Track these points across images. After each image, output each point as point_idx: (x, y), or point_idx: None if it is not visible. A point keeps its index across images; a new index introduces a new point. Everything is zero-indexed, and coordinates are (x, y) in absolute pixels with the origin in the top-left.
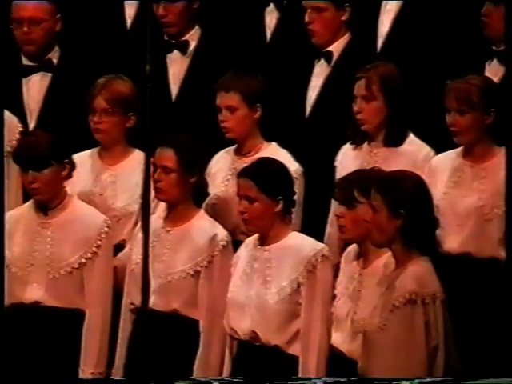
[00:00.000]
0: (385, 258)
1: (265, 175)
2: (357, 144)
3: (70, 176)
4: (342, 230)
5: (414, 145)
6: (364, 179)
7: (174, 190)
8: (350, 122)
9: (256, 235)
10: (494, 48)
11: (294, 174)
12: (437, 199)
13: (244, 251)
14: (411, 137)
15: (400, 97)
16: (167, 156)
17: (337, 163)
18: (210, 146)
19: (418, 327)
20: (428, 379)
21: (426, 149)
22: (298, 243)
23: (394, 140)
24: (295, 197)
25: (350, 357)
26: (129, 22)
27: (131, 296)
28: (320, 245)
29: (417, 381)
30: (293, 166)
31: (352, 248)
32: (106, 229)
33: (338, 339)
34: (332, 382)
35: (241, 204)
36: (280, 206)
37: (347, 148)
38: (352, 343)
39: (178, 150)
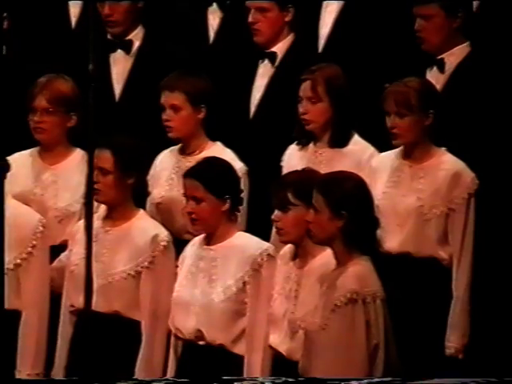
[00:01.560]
0: (321, 258)
1: (211, 175)
2: (302, 144)
3: (3, 177)
4: (279, 233)
5: (358, 145)
6: (297, 181)
7: (111, 191)
8: (294, 122)
9: (202, 234)
10: (433, 57)
11: (238, 173)
12: (377, 199)
13: (190, 250)
14: (356, 137)
15: (345, 98)
16: (104, 157)
17: (283, 163)
18: (150, 147)
19: (359, 326)
20: (376, 379)
21: (370, 149)
22: (243, 242)
23: (339, 141)
24: (242, 195)
25: (288, 357)
26: (74, 21)
27: (71, 298)
28: (266, 244)
29: (365, 381)
30: (237, 164)
31: (288, 248)
32: (40, 228)
33: (276, 339)
34: (281, 381)
35: (188, 204)
36: (227, 205)
37: (293, 148)
38: (290, 343)
39: (115, 151)
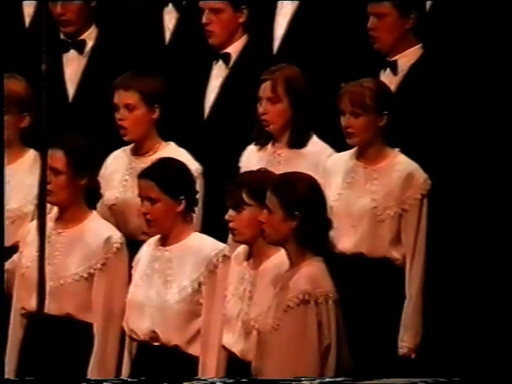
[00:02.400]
0: (275, 259)
1: (166, 175)
2: (261, 145)
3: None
4: (233, 233)
5: (316, 146)
6: (252, 181)
7: (63, 192)
8: (249, 123)
9: (157, 235)
10: (386, 59)
11: (194, 174)
12: (331, 200)
13: (145, 251)
14: (314, 138)
15: (304, 99)
16: (56, 158)
17: (241, 163)
18: (103, 147)
19: (311, 327)
20: (328, 379)
21: (328, 150)
22: (199, 243)
23: (298, 141)
24: (197, 196)
25: (241, 358)
26: (27, 20)
27: (22, 300)
28: (221, 245)
29: (317, 381)
30: (193, 165)
31: (242, 249)
32: None
33: (230, 340)
34: (231, 382)
35: (143, 205)
36: (182, 206)
37: (251, 149)
38: (243, 344)
39: (67, 151)
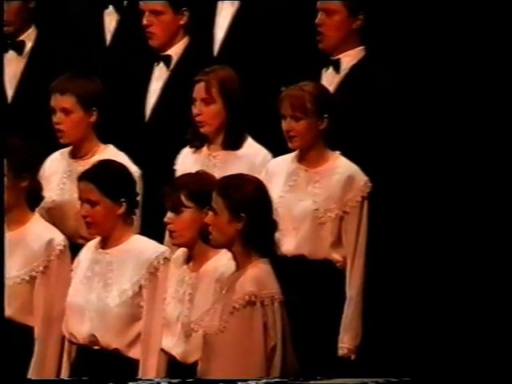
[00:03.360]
0: (215, 261)
1: (106, 178)
2: (196, 147)
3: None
4: (172, 236)
5: (252, 148)
6: (191, 183)
7: (4, 195)
8: (190, 125)
9: (97, 238)
10: (330, 57)
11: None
12: (274, 203)
13: (85, 254)
14: (249, 140)
15: (238, 100)
16: None
17: (177, 166)
18: (44, 149)
19: (257, 329)
20: (274, 380)
21: (263, 152)
22: (139, 246)
23: (233, 143)
24: (138, 198)
25: (181, 360)
26: None
27: None
28: (162, 247)
29: (263, 380)
30: (132, 167)
31: (181, 251)
32: None
33: (169, 343)
34: (177, 382)
35: (82, 208)
36: (123, 209)
37: (187, 151)
38: (183, 347)
39: (6, 154)
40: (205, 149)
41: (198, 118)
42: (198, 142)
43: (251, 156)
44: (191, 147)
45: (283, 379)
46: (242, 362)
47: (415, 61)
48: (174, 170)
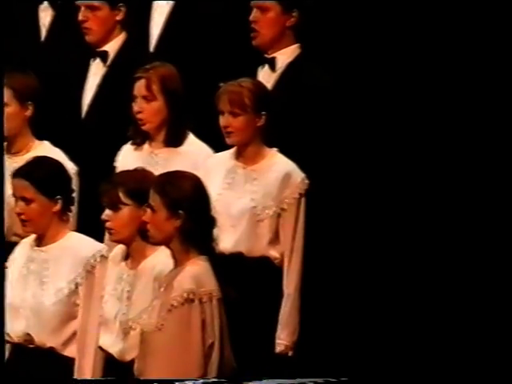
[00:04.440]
0: (154, 258)
1: (41, 174)
2: (137, 144)
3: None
4: (110, 233)
5: (194, 145)
6: (129, 180)
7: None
8: (128, 122)
9: (33, 236)
10: (265, 55)
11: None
12: (212, 200)
13: (20, 252)
14: (191, 137)
15: (180, 97)
16: None
17: (117, 163)
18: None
19: (195, 326)
20: (212, 380)
21: (205, 149)
22: (76, 243)
23: (174, 140)
24: (74, 195)
25: (119, 359)
26: None
27: None
28: (99, 245)
29: (201, 381)
30: (67, 164)
31: (119, 249)
32: None
33: (107, 341)
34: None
35: (17, 205)
36: (58, 206)
37: (128, 148)
38: (121, 344)
39: None
40: (146, 146)
41: (139, 116)
42: (140, 139)
43: (193, 153)
44: (132, 144)
45: (221, 379)
46: (179, 360)
47: (350, 58)
48: (113, 167)
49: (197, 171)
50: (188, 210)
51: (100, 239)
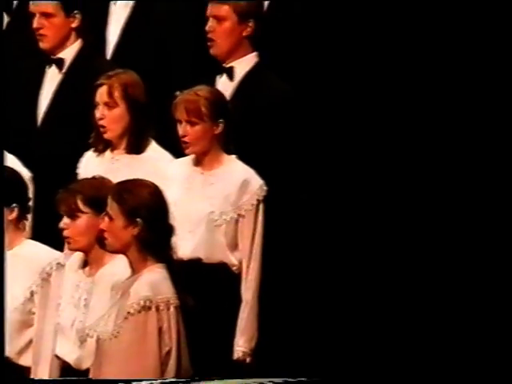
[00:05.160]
0: (112, 266)
1: None
2: (99, 151)
3: None
4: (67, 241)
5: (156, 152)
6: (87, 188)
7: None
8: (83, 129)
9: None
10: (223, 65)
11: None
12: (171, 206)
13: None
14: (153, 144)
15: (141, 104)
16: None
17: (80, 170)
18: None
19: (152, 334)
20: (169, 380)
21: (167, 156)
22: (31, 251)
23: (136, 147)
24: (30, 203)
25: (75, 367)
26: None
27: None
28: (56, 253)
29: (158, 381)
30: (22, 172)
31: (77, 256)
32: None
33: (63, 349)
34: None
35: None
36: (14, 214)
37: (90, 155)
38: (78, 352)
39: None
40: (108, 152)
41: (100, 122)
42: (102, 146)
43: (155, 160)
44: (94, 151)
45: (178, 379)
46: (135, 367)
47: (307, 66)
48: (72, 174)
49: (158, 177)
50: (146, 217)
51: (59, 247)
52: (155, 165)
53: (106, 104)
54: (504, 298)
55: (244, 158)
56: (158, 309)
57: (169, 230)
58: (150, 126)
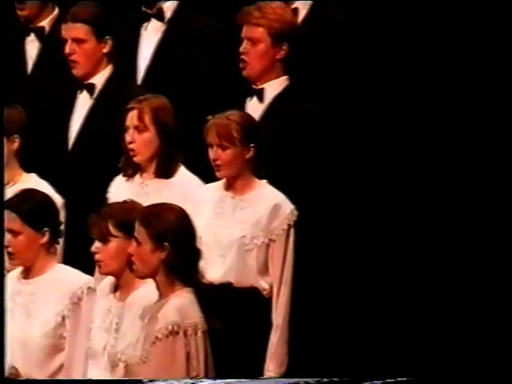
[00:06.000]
0: (143, 290)
1: (28, 207)
2: (129, 176)
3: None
4: (99, 265)
5: (185, 177)
6: (118, 212)
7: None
8: (115, 154)
9: (19, 268)
10: (253, 86)
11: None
12: (201, 230)
13: (7, 286)
14: (182, 169)
15: (171, 129)
16: None
17: (110, 194)
18: None
19: (179, 359)
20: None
21: (196, 181)
22: (63, 275)
23: (165, 172)
24: (61, 227)
25: None
26: None
27: None
28: (86, 277)
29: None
30: (54, 196)
31: (108, 280)
32: None
33: (95, 374)
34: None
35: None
36: (46, 238)
37: (120, 179)
38: (110, 377)
39: None
40: (137, 177)
41: (130, 146)
42: (131, 170)
43: (184, 184)
44: (124, 175)
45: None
46: None
47: (337, 90)
48: (102, 199)
49: (187, 202)
50: (173, 242)
51: (90, 271)
52: (184, 189)
53: (136, 128)
54: (504, 297)
55: (274, 183)
56: (185, 334)
57: (196, 254)
58: (179, 150)
